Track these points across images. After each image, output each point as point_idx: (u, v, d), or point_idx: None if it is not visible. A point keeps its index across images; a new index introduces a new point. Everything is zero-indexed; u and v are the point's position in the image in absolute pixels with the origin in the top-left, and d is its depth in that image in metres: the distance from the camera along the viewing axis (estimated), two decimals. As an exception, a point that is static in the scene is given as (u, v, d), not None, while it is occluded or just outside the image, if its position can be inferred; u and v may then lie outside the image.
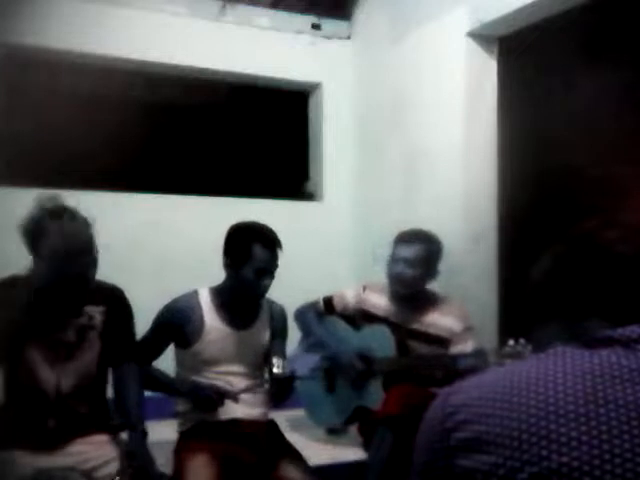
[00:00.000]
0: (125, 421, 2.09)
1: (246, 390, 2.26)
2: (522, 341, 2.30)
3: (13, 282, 2.03)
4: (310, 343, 2.77)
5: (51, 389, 2.00)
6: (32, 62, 3.38)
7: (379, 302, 2.78)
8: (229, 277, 2.29)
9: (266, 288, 2.27)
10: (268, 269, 2.23)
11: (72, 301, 2.05)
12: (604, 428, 0.74)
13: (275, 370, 2.16)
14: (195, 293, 2.34)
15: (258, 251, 2.20)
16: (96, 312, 2.09)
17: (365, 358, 2.65)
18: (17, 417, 1.97)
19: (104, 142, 3.56)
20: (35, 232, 1.95)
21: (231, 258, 2.25)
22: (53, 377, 2.00)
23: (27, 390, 1.99)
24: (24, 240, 1.96)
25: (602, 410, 0.75)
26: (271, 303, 2.42)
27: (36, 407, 1.99)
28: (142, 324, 2.28)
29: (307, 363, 2.31)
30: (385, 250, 2.77)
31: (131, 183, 3.63)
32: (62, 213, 1.96)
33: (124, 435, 2.11)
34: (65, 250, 1.94)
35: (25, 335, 1.98)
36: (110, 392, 2.18)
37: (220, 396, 2.18)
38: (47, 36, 3.29)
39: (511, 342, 2.34)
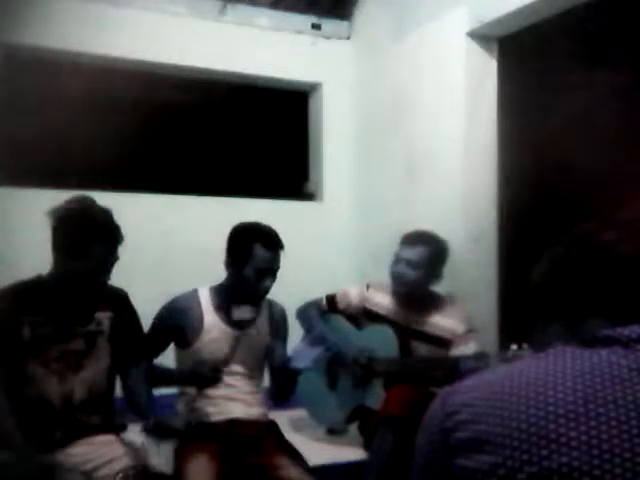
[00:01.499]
0: (140, 417, 2.11)
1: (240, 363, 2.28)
2: (525, 345, 2.29)
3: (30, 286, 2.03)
4: (313, 337, 2.76)
5: (58, 401, 1.98)
6: (32, 62, 3.37)
7: (383, 301, 2.77)
8: (230, 276, 2.30)
9: (267, 289, 2.27)
10: (269, 269, 2.24)
11: (84, 304, 2.05)
12: (604, 428, 0.74)
13: (276, 359, 2.17)
14: (195, 292, 2.34)
15: (259, 251, 2.21)
16: (104, 317, 2.09)
17: (367, 358, 2.64)
18: (23, 429, 1.93)
19: (104, 142, 3.56)
20: (76, 246, 1.94)
21: (233, 257, 2.26)
22: (61, 389, 1.99)
23: (33, 403, 1.96)
24: (58, 239, 1.96)
25: (602, 410, 0.75)
26: (271, 303, 2.42)
27: (42, 420, 1.97)
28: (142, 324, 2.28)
29: (309, 355, 2.32)
30: (388, 250, 2.77)
31: (131, 183, 3.63)
32: (113, 235, 1.99)
33: (125, 435, 2.12)
34: (102, 265, 1.97)
35: (31, 347, 1.97)
36: (119, 392, 2.19)
37: (216, 371, 2.20)
38: (47, 36, 3.29)
39: (514, 347, 2.34)
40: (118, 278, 2.14)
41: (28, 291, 2.00)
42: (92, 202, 2.00)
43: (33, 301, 1.99)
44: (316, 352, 2.33)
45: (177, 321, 2.28)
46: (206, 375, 2.20)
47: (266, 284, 2.25)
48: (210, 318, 2.29)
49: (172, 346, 2.37)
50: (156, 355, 2.33)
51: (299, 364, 2.25)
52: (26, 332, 1.95)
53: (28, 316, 1.96)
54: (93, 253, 1.94)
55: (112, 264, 2.03)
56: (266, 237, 2.24)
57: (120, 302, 2.16)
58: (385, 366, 2.62)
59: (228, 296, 2.31)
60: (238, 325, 2.32)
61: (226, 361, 2.28)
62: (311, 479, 2.11)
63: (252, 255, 2.21)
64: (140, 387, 2.17)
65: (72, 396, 2.00)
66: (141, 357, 2.21)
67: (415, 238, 2.69)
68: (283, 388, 2.32)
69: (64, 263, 1.97)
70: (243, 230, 2.29)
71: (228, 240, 2.29)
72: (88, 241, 1.93)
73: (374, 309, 2.78)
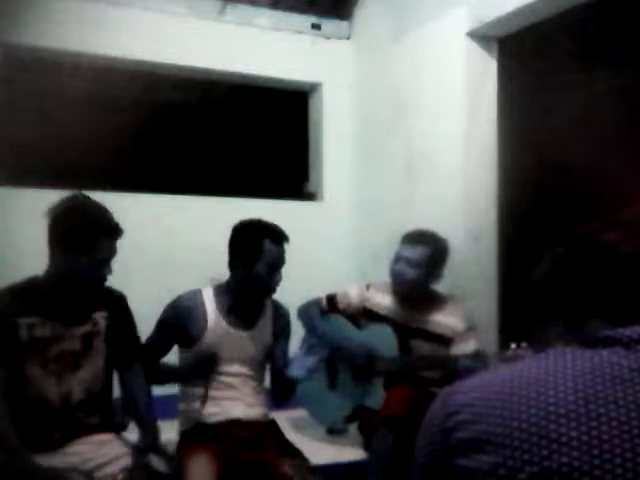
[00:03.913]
0: (137, 422, 2.12)
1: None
2: (524, 344, 2.29)
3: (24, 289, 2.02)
4: (313, 344, 2.76)
5: (56, 402, 1.98)
6: (32, 62, 3.38)
7: (383, 301, 2.77)
8: (239, 275, 2.28)
9: (277, 283, 2.27)
10: (278, 264, 2.24)
11: (81, 303, 2.05)
12: (604, 428, 0.74)
13: (277, 361, 2.16)
14: (199, 292, 2.33)
15: (269, 246, 2.21)
16: (100, 317, 2.08)
17: (368, 356, 2.65)
18: (22, 430, 1.92)
19: (104, 142, 3.56)
20: (81, 240, 1.93)
21: (242, 255, 2.24)
22: (59, 389, 1.98)
23: (31, 404, 1.96)
24: (62, 235, 1.95)
25: (602, 410, 0.75)
26: (276, 304, 2.42)
27: (41, 420, 1.97)
28: (142, 324, 2.27)
29: (305, 365, 2.31)
30: (388, 250, 2.77)
31: (131, 183, 3.63)
32: (115, 229, 1.99)
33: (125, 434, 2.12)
34: (105, 259, 1.97)
35: (28, 348, 1.96)
36: (116, 393, 2.19)
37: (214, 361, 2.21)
38: (47, 36, 3.29)
39: (513, 346, 2.34)
40: (118, 278, 2.13)
41: (24, 292, 1.99)
42: (87, 198, 2.01)
43: (30, 302, 1.97)
44: (312, 361, 2.32)
45: (182, 319, 2.28)
46: (206, 365, 2.20)
47: (277, 279, 2.25)
48: (214, 317, 2.29)
49: (174, 348, 2.37)
50: (163, 355, 2.32)
51: (294, 373, 2.25)
52: (24, 333, 1.94)
53: (25, 317, 1.95)
54: (99, 246, 1.95)
55: (112, 258, 2.03)
56: (273, 232, 2.24)
57: (116, 303, 2.16)
58: (385, 365, 2.62)
59: (234, 295, 2.31)
60: (242, 325, 2.32)
61: (228, 361, 2.28)
62: (312, 479, 2.11)
63: (262, 251, 2.20)
64: (138, 392, 2.17)
65: (70, 396, 1.99)
66: (136, 359, 2.20)
67: (416, 237, 2.69)
68: (283, 390, 2.32)
69: (69, 259, 1.95)
70: (250, 227, 2.27)
71: (234, 239, 2.27)
72: (94, 235, 1.93)
73: (374, 309, 2.78)
